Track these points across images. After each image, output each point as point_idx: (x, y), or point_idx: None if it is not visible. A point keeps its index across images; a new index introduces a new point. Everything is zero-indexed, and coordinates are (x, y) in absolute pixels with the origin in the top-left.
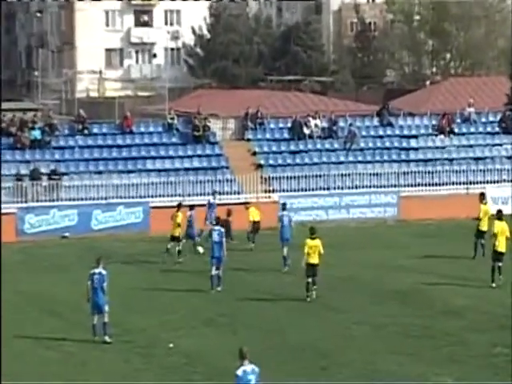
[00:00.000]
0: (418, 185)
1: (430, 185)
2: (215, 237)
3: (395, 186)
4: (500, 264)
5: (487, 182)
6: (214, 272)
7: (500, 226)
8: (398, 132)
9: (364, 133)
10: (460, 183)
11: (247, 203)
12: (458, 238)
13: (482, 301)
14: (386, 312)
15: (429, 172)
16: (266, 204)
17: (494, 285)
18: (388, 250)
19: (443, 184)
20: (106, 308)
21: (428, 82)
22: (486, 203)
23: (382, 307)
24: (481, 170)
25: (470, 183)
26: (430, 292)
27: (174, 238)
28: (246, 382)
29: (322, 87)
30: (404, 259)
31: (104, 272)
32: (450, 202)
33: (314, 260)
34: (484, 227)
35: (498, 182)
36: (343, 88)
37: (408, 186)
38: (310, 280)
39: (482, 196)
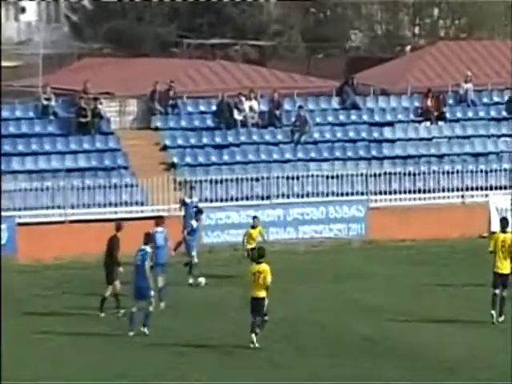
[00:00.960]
0: (395, 192)
1: (410, 192)
2: (137, 258)
3: (362, 193)
4: (504, 293)
5: (491, 188)
6: (134, 309)
7: (503, 240)
8: (366, 118)
9: (319, 119)
10: (453, 189)
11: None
12: (449, 265)
13: (483, 350)
14: (350, 367)
15: (409, 174)
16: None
17: (494, 320)
18: (352, 281)
19: (429, 191)
20: None
21: (408, 48)
22: None
23: (344, 360)
24: (482, 171)
25: (467, 189)
26: (411, 339)
27: None
28: None
29: (261, 55)
30: (375, 295)
31: None
32: (439, 216)
33: (259, 292)
34: None
35: (505, 187)
36: (290, 56)
37: (380, 193)
38: (255, 319)
39: None
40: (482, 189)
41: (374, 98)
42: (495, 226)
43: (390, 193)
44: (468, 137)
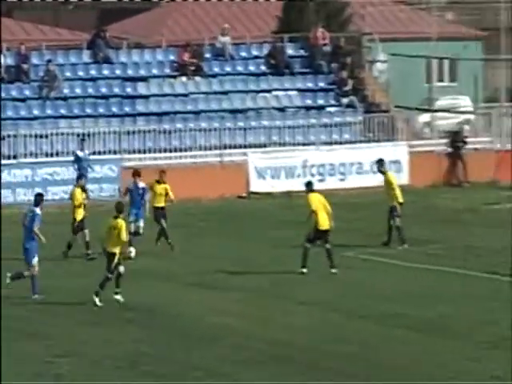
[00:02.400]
0: (149, 150)
1: (166, 150)
2: (26, 220)
3: (116, 152)
4: (328, 246)
5: (250, 147)
6: (26, 272)
7: (317, 199)
8: (119, 72)
9: (69, 73)
10: (210, 148)
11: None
12: (206, 227)
13: (252, 319)
14: (105, 337)
15: (164, 132)
16: None
17: (305, 270)
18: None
19: (185, 149)
20: None
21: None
22: (386, 171)
23: (103, 330)
24: (240, 129)
25: (225, 148)
26: (175, 308)
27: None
28: None
29: (6, 5)
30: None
31: None
32: (196, 176)
33: (112, 247)
34: (396, 200)
35: (264, 145)
36: (38, 6)
37: (134, 152)
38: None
39: (381, 163)
40: (240, 147)
41: (127, 51)
42: (254, 186)
43: (145, 151)
44: (226, 92)
